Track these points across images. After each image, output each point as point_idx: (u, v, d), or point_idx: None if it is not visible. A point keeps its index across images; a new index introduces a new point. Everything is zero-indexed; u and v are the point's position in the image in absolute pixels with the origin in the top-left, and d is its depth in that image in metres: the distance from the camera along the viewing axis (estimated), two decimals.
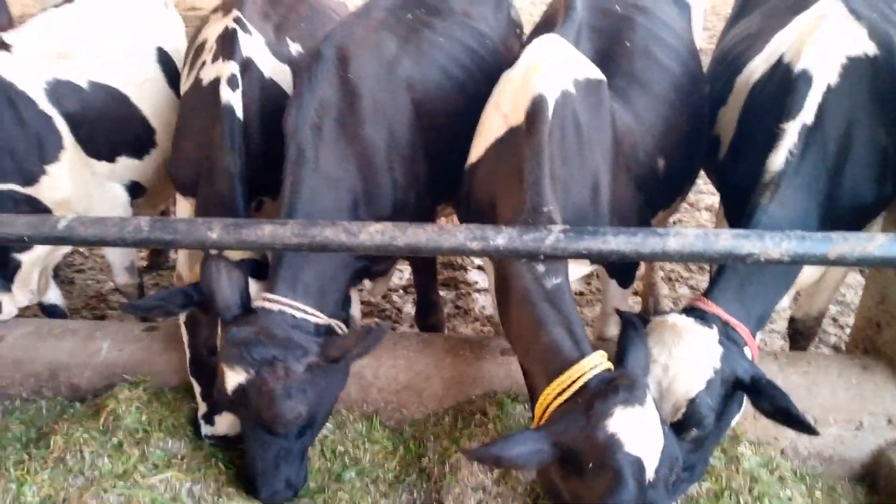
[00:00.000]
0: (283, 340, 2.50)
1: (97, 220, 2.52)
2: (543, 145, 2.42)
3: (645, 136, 3.01)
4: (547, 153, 2.42)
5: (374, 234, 2.37)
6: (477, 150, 2.82)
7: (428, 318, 3.74)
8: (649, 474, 2.04)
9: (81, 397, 3.23)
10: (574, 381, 2.18)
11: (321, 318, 2.67)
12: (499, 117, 2.69)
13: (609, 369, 2.26)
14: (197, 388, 2.93)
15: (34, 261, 3.40)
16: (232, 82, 3.02)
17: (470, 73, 3.34)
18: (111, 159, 3.55)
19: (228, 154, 2.92)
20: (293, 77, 2.96)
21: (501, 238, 2.31)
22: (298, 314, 2.61)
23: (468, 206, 2.88)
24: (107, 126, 3.48)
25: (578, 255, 2.34)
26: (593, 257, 2.36)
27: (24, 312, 3.59)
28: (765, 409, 2.38)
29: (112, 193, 3.60)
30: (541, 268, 2.34)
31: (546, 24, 3.31)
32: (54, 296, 3.83)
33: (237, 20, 3.28)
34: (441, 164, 3.17)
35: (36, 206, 3.24)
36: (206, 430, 2.88)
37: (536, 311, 2.32)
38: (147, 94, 3.71)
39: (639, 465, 2.03)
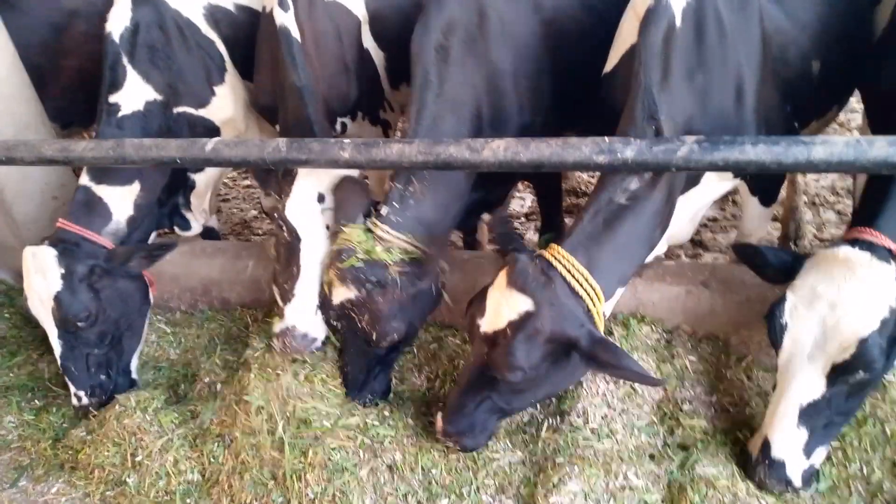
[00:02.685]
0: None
1: (240, 143, 2.70)
2: (653, 50, 2.33)
3: (798, 36, 2.78)
4: (659, 59, 2.33)
5: (497, 149, 2.38)
6: (612, 58, 2.73)
7: None
8: None
9: (231, 309, 3.56)
10: None
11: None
12: (634, 22, 2.57)
13: None
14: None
15: (207, 181, 3.71)
16: (283, 4, 3.08)
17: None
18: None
19: (291, 70, 2.99)
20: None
21: (630, 150, 2.24)
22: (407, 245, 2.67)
23: (601, 119, 2.82)
24: (253, 47, 3.59)
25: (714, 168, 2.23)
26: (730, 169, 2.23)
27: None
28: None
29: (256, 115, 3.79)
30: (633, 185, 2.30)
31: None
32: (212, 220, 4.18)
33: None
34: (568, 88, 3.09)
35: (207, 126, 3.50)
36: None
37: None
38: None
39: None
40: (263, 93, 3.41)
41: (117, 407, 2.96)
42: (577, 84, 3.03)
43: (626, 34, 2.62)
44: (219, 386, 3.05)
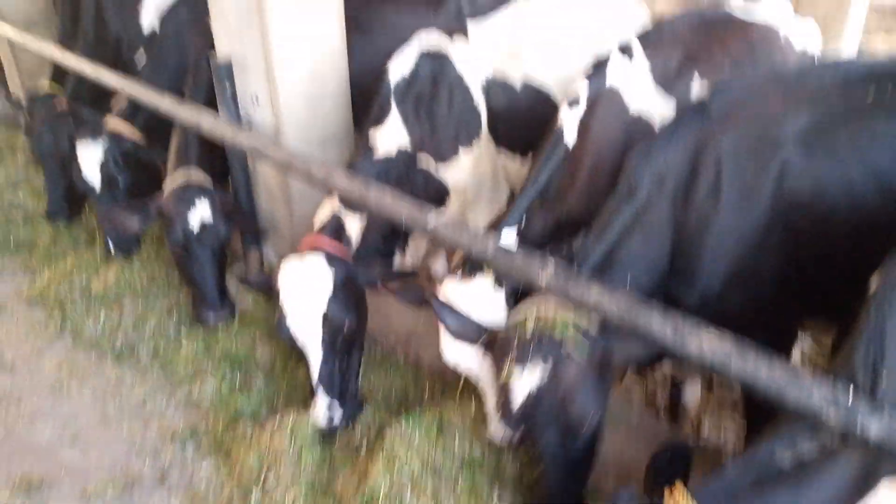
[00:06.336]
0: None
1: (458, 226, 2.59)
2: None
3: None
4: None
5: (705, 346, 1.89)
6: None
7: None
8: None
9: (421, 368, 3.52)
10: None
11: None
12: None
13: None
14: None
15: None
16: (573, 99, 2.81)
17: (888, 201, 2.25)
18: (525, 154, 3.58)
19: (532, 179, 2.80)
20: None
21: (877, 424, 1.60)
22: None
23: None
24: (529, 124, 3.43)
25: None
26: None
27: None
28: None
29: (500, 190, 3.68)
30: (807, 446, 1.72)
31: None
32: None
33: (623, 48, 3.01)
34: (809, 271, 2.41)
35: (437, 188, 3.51)
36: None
37: None
38: None
39: None
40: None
41: (279, 418, 3.06)
42: (820, 272, 2.38)
43: None
44: (362, 452, 3.02)
